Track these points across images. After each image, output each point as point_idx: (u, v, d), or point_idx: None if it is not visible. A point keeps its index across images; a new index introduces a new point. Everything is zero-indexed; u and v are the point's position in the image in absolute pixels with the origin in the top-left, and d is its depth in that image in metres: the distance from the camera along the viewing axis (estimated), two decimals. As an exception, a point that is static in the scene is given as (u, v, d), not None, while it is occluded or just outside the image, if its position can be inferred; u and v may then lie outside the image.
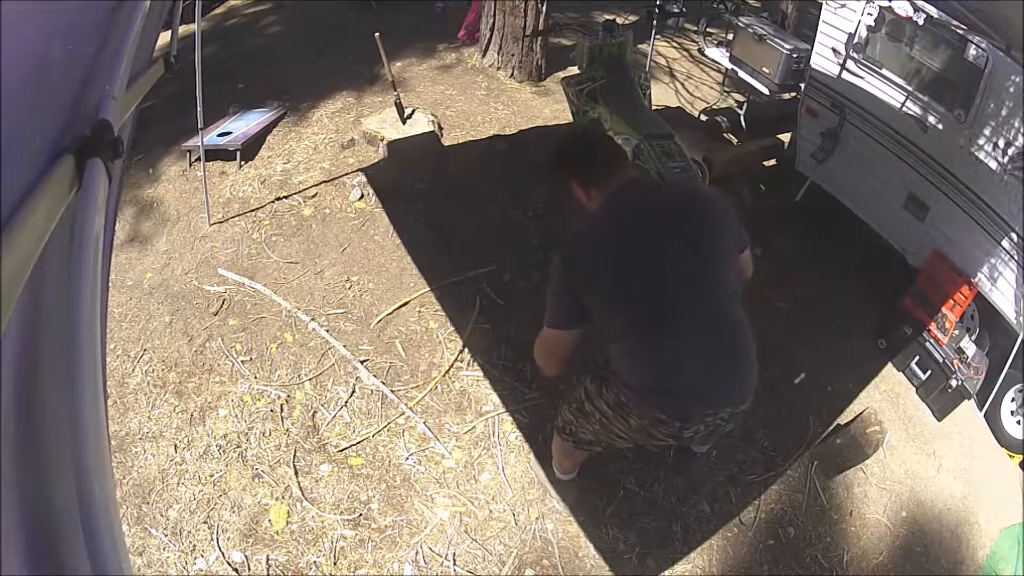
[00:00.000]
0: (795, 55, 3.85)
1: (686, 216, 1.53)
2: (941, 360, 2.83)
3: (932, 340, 2.89)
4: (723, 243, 1.53)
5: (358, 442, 2.37)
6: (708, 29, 4.78)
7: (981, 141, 2.64)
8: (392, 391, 2.52)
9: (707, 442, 2.24)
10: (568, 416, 1.81)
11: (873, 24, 3.03)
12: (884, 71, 3.05)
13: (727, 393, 1.54)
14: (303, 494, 2.22)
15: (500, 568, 2.09)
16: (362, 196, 3.39)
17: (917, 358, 2.92)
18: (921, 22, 2.80)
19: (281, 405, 2.47)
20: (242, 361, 2.62)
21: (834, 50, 3.27)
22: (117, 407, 2.46)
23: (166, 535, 2.11)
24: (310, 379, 2.56)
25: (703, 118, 4.57)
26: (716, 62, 4.77)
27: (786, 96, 4.27)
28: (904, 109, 2.97)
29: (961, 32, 2.64)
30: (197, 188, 3.40)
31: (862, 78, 3.17)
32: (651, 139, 2.52)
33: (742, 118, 4.36)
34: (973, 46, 2.59)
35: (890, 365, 3.00)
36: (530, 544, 2.15)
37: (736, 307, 1.54)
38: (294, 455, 2.32)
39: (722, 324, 1.51)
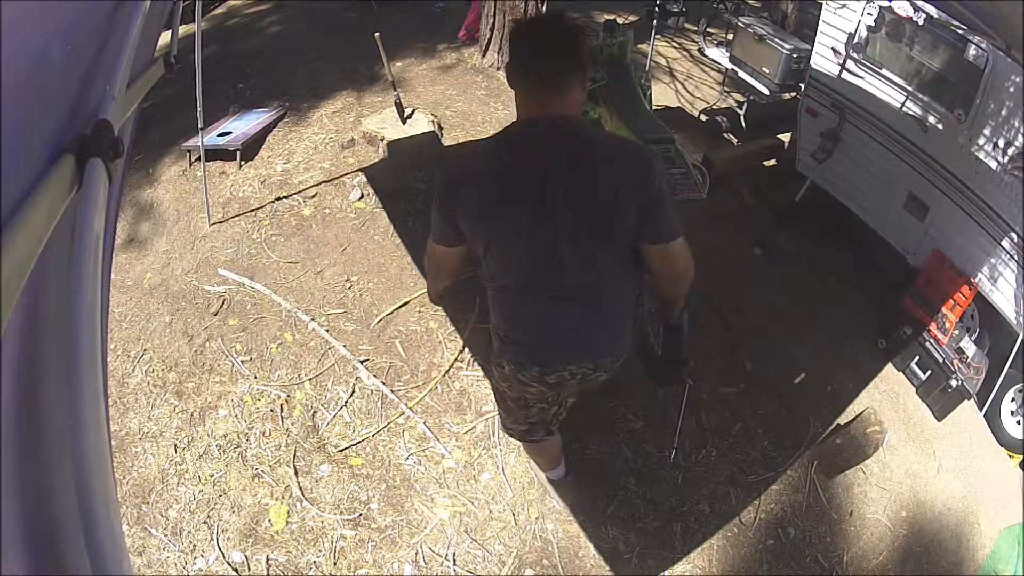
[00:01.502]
0: (795, 55, 3.85)
1: (589, 178, 1.32)
2: (941, 360, 2.83)
3: (932, 340, 2.89)
4: (619, 213, 1.32)
5: (358, 442, 2.37)
6: (708, 29, 4.79)
7: (981, 141, 2.64)
8: (392, 391, 2.52)
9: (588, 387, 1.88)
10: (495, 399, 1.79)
11: (873, 24, 3.03)
12: (884, 71, 3.05)
13: (581, 352, 1.51)
14: (303, 494, 2.22)
15: (500, 568, 2.09)
16: (362, 196, 3.39)
17: (917, 358, 2.92)
18: (921, 22, 2.80)
19: (281, 405, 2.47)
20: (242, 361, 2.62)
21: (834, 50, 3.26)
22: (117, 407, 2.46)
23: (166, 535, 2.11)
24: (310, 379, 2.56)
25: (703, 118, 4.57)
26: (716, 62, 4.77)
27: (786, 96, 4.27)
28: (904, 109, 2.97)
29: (961, 32, 2.63)
30: (197, 188, 3.40)
31: (862, 78, 3.17)
32: (651, 143, 2.52)
33: (742, 118, 4.36)
34: (973, 46, 2.59)
35: (890, 365, 3.00)
36: (530, 544, 2.15)
37: (610, 279, 1.44)
38: (294, 455, 2.32)
39: (587, 291, 1.44)
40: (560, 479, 2.24)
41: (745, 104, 4.42)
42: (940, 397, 2.81)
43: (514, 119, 1.40)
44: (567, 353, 1.51)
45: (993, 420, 2.81)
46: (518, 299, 1.48)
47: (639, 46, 4.50)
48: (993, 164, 2.60)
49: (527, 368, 1.53)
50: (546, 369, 1.52)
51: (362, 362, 2.62)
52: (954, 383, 2.76)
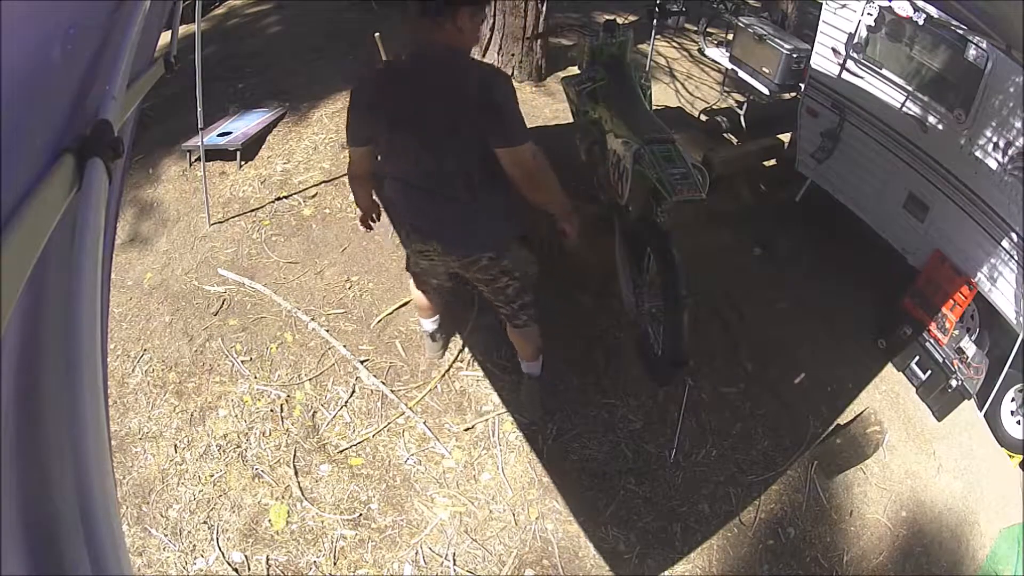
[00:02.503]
0: (795, 55, 3.84)
1: (452, 91, 1.67)
2: (941, 360, 2.83)
3: (932, 340, 2.89)
4: (473, 120, 1.65)
5: (358, 442, 2.37)
6: (708, 29, 4.78)
7: (981, 141, 2.64)
8: (392, 391, 2.52)
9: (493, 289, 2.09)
10: None
11: (873, 24, 3.03)
12: (884, 71, 3.05)
13: (428, 232, 1.90)
14: (303, 494, 2.22)
15: (500, 568, 2.09)
16: (362, 196, 3.39)
17: (917, 358, 2.92)
18: (921, 22, 2.80)
19: (281, 405, 2.47)
20: (242, 361, 2.62)
21: (834, 50, 3.26)
22: (117, 407, 2.46)
23: (166, 535, 2.11)
24: (310, 379, 2.56)
25: (703, 118, 4.56)
26: (716, 62, 4.76)
27: (786, 96, 4.27)
28: (904, 109, 2.97)
29: (961, 32, 2.63)
30: (197, 188, 3.40)
31: (862, 78, 3.16)
32: (652, 144, 2.51)
33: (742, 118, 4.35)
34: (973, 46, 2.59)
35: (890, 365, 2.99)
36: (530, 544, 2.15)
37: (465, 180, 1.74)
38: (294, 455, 2.32)
39: (444, 185, 1.77)
40: (430, 332, 2.54)
41: (745, 104, 4.41)
42: (940, 397, 2.81)
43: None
44: (421, 230, 1.92)
45: (993, 420, 2.81)
46: (396, 184, 1.89)
47: (639, 46, 4.50)
48: (993, 164, 2.60)
49: (404, 227, 2.01)
50: (411, 237, 1.97)
51: (362, 362, 2.62)
52: (954, 383, 2.75)
